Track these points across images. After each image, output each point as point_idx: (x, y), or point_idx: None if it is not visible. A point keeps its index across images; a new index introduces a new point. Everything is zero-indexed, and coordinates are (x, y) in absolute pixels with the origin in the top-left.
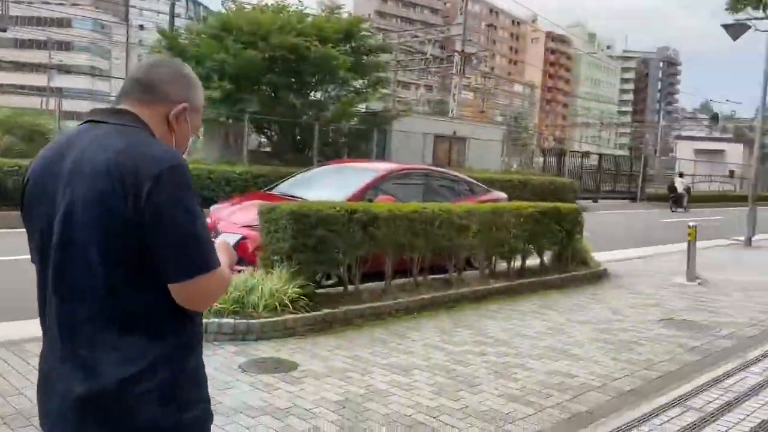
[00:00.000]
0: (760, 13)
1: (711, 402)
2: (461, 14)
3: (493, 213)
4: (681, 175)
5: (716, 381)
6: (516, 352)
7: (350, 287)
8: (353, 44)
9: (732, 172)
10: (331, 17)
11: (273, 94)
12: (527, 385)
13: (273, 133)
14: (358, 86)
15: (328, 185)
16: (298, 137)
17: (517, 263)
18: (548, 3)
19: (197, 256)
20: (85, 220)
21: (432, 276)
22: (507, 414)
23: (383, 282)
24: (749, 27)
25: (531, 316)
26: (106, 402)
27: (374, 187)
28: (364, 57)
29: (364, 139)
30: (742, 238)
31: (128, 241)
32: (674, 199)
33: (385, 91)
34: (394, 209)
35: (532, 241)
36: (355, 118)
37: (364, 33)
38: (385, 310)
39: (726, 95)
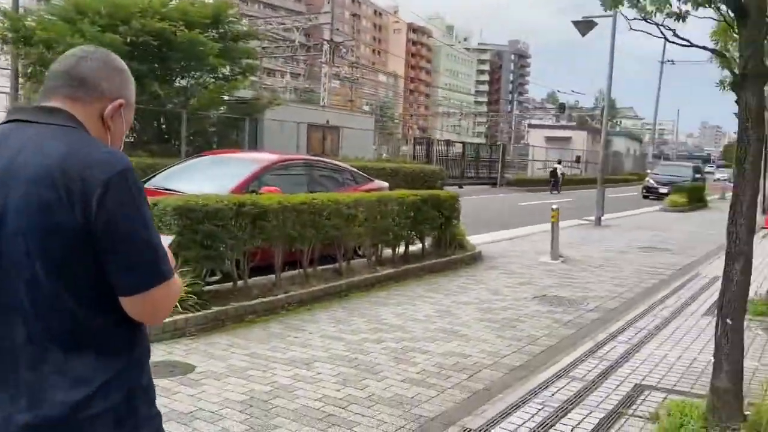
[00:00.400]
0: (632, 12)
1: (591, 371)
2: (328, 2)
3: (379, 202)
4: (559, 162)
5: (591, 351)
6: (411, 337)
7: (239, 283)
8: (221, 30)
9: (578, 158)
10: (196, 1)
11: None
12: (426, 368)
13: (135, 122)
14: (227, 73)
15: (207, 177)
16: (164, 126)
17: (400, 250)
18: None
19: (154, 266)
20: (21, 230)
21: (321, 267)
22: (412, 398)
23: (273, 275)
24: (596, 24)
25: (419, 300)
26: (56, 431)
27: (257, 179)
28: (233, 43)
29: (234, 128)
30: (593, 218)
31: (76, 252)
32: (553, 183)
33: (253, 78)
34: (283, 201)
35: (415, 228)
36: (224, 107)
37: (231, 18)
38: (278, 304)
39: (570, 86)
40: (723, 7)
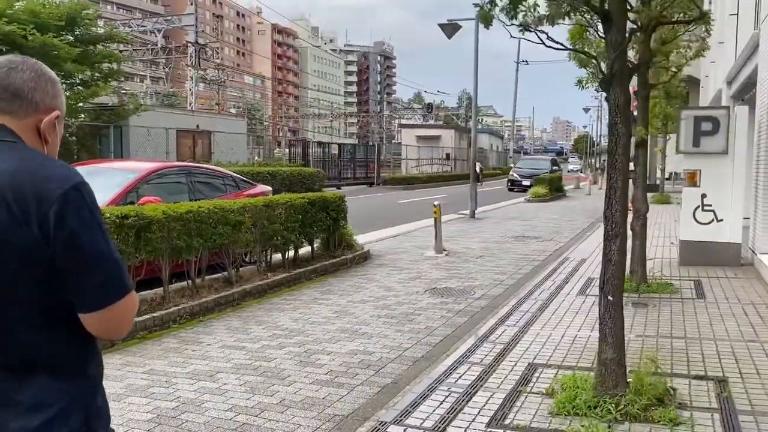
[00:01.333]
0: (507, 20)
1: (487, 355)
2: (190, 4)
3: (266, 207)
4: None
5: (485, 337)
6: (312, 339)
7: None
8: (77, 33)
9: (448, 155)
10: (47, 2)
11: None
12: (333, 368)
13: None
14: (85, 79)
15: None
16: None
17: (290, 254)
18: None
19: (115, 280)
20: None
21: (210, 276)
22: (324, 398)
23: (161, 289)
24: (461, 26)
25: (315, 303)
26: None
27: (134, 189)
28: (91, 47)
29: (98, 136)
30: (467, 212)
31: (30, 270)
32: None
33: (114, 83)
34: (168, 211)
35: (304, 231)
36: (83, 115)
37: (88, 20)
38: (169, 318)
39: (435, 86)
40: (586, 13)
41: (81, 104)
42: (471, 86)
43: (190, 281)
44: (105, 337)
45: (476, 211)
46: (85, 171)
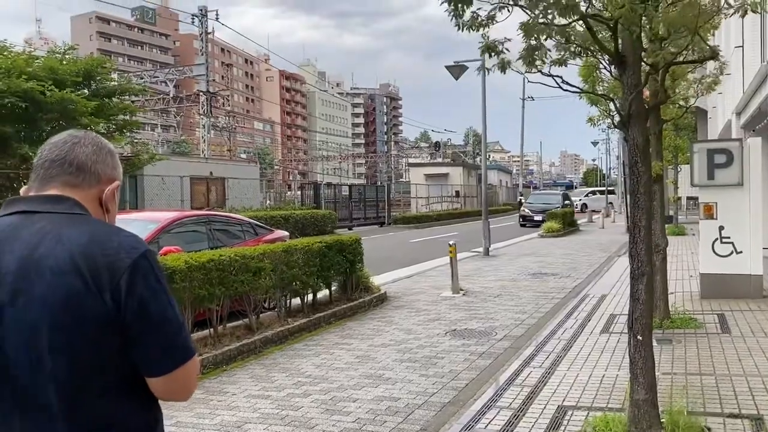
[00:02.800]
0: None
1: (515, 399)
2: (201, 54)
3: (285, 252)
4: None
5: (511, 380)
6: (337, 386)
7: None
8: (94, 87)
9: (457, 193)
10: (65, 58)
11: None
12: (360, 416)
13: (3, 186)
14: (102, 131)
15: None
16: None
17: (309, 298)
18: (276, 43)
19: (181, 344)
20: (46, 324)
21: (231, 324)
22: None
23: None
24: (467, 68)
25: (336, 348)
26: None
27: (155, 240)
28: (107, 100)
29: None
30: (481, 249)
31: (106, 342)
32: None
33: (129, 134)
34: (190, 261)
35: (322, 275)
36: None
37: (104, 75)
38: None
39: (441, 125)
40: (597, 53)
41: None
42: (477, 123)
43: (212, 330)
44: (170, 399)
45: (490, 249)
46: None
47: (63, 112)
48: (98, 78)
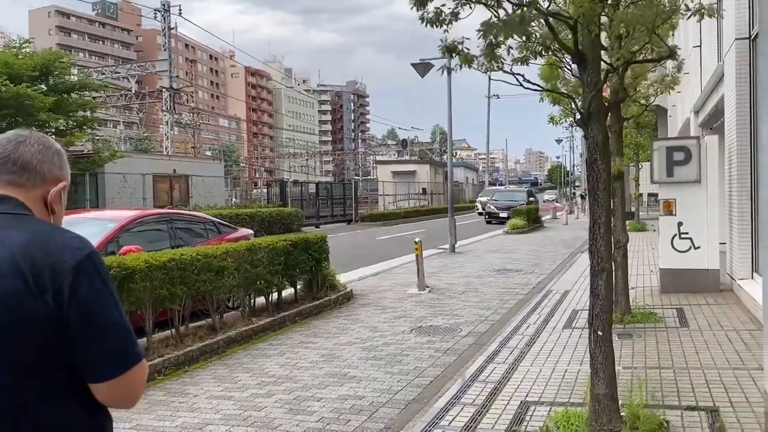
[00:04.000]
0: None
1: (478, 395)
2: (164, 50)
3: (249, 251)
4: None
5: (475, 376)
6: (301, 386)
7: None
8: (52, 82)
9: (424, 190)
10: (20, 53)
11: None
12: (324, 415)
13: None
14: (60, 127)
15: None
16: None
17: (274, 297)
18: (242, 39)
19: (127, 348)
20: None
21: (194, 324)
22: None
23: (144, 339)
24: (432, 66)
25: (301, 347)
26: None
27: (115, 239)
28: (66, 96)
29: (73, 185)
30: (447, 246)
31: (47, 345)
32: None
33: (89, 131)
34: (150, 260)
35: (287, 273)
36: None
37: (62, 69)
38: (154, 370)
39: (408, 123)
40: (558, 52)
41: None
42: (444, 121)
43: (174, 330)
44: (116, 406)
45: (456, 245)
46: (64, 222)
47: (19, 108)
48: (56, 73)
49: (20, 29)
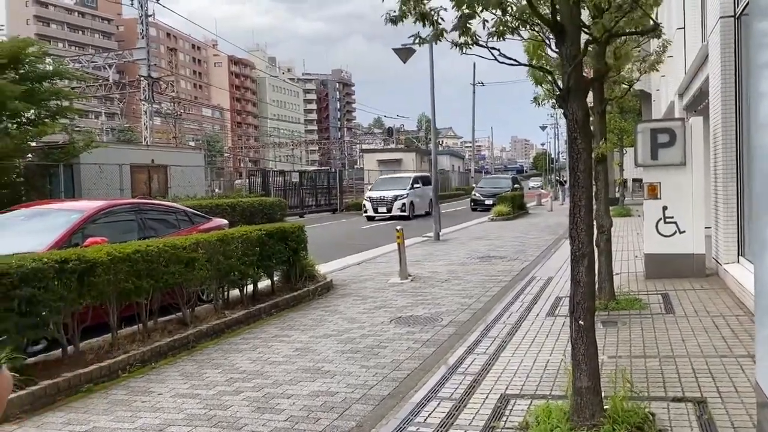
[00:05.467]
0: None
1: (457, 388)
2: (142, 38)
3: (221, 241)
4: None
5: (454, 368)
6: (272, 382)
7: (70, 349)
8: (22, 70)
9: None
10: None
11: None
12: (293, 414)
13: None
14: (32, 117)
15: (20, 234)
16: None
17: (249, 289)
18: (225, 27)
19: None
20: None
21: (163, 318)
22: None
23: (109, 335)
24: (415, 51)
25: (275, 340)
26: None
27: (79, 230)
28: (38, 84)
29: (47, 176)
30: (432, 234)
31: None
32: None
33: (64, 121)
34: (113, 252)
35: (262, 264)
36: (31, 154)
37: (33, 57)
38: (118, 367)
39: (394, 111)
40: (536, 26)
41: (27, 144)
42: (429, 110)
43: (140, 325)
44: None
45: (441, 233)
46: (29, 213)
47: None
48: (26, 61)
49: None
